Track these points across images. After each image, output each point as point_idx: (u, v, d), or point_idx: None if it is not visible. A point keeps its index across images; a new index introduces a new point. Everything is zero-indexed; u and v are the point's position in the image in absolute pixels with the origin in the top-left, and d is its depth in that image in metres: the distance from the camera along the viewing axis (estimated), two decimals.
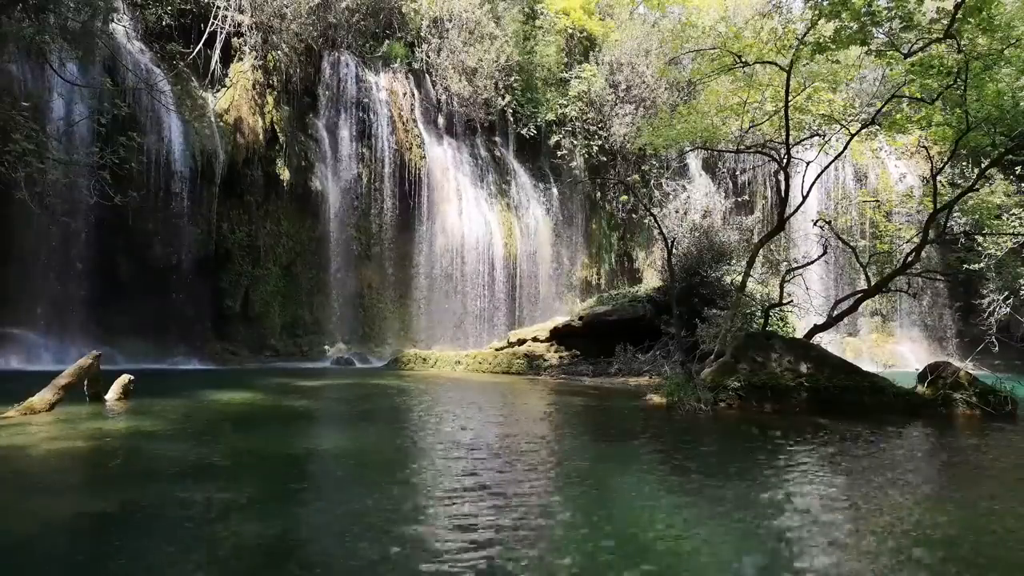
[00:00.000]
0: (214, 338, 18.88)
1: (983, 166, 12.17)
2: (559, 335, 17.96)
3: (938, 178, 12.80)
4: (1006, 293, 20.92)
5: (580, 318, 18.09)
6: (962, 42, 10.05)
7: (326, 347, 20.68)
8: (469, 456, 6.18)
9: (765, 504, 4.61)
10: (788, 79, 11.19)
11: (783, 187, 13.05)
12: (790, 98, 11.49)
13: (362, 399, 11.10)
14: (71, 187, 14.86)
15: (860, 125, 12.43)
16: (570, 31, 27.38)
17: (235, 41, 20.06)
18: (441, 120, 24.72)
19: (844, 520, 4.29)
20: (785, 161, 12.34)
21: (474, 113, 24.77)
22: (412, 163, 22.90)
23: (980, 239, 18.98)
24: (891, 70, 12.67)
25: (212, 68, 19.66)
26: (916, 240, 13.48)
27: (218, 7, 19.34)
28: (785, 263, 22.11)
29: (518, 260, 24.79)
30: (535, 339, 18.23)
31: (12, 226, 15.19)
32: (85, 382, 8.37)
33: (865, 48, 10.89)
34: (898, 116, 12.23)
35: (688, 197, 26.06)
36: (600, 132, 26.40)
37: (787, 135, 11.88)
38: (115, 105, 15.27)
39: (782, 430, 7.75)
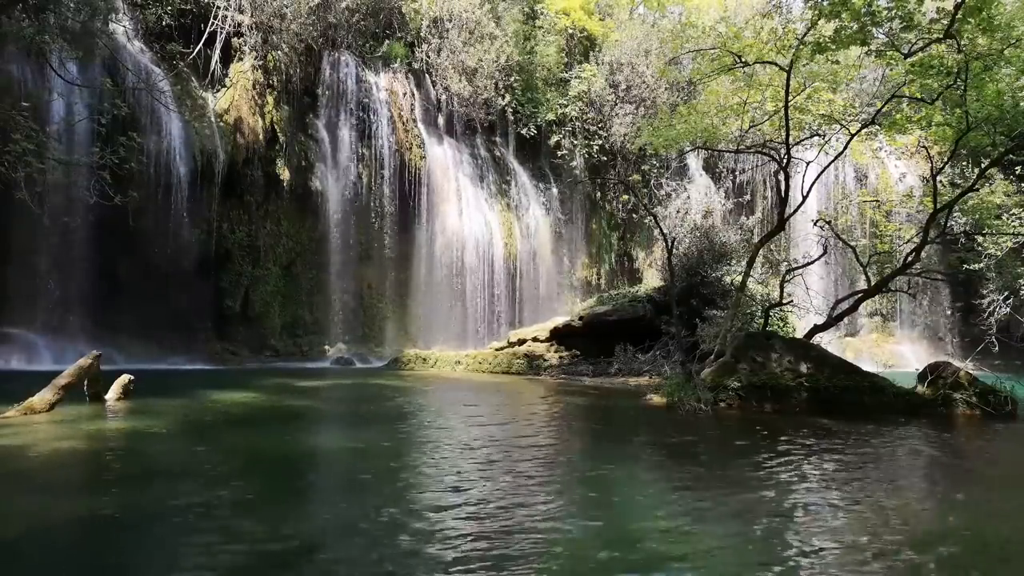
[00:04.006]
0: (214, 338, 18.88)
1: (983, 166, 12.16)
2: (559, 335, 17.95)
3: (938, 178, 12.79)
4: (1006, 293, 20.89)
5: (580, 318, 18.08)
6: (962, 42, 10.05)
7: (326, 347, 20.68)
8: (469, 458, 6.18)
9: (764, 505, 4.61)
10: (788, 79, 11.18)
11: (783, 187, 13.04)
12: (790, 98, 11.48)
13: (362, 400, 11.10)
14: (71, 187, 14.86)
15: (860, 125, 12.42)
16: (570, 31, 27.36)
17: (235, 41, 20.06)
18: (441, 120, 24.70)
19: (846, 521, 4.29)
20: (785, 161, 12.33)
21: (474, 113, 24.75)
22: (412, 163, 22.89)
23: (980, 239, 18.96)
24: (891, 70, 12.68)
25: (212, 68, 19.65)
26: (916, 240, 13.48)
27: (218, 7, 19.33)
28: (785, 263, 22.12)
29: (518, 260, 24.77)
30: (535, 339, 18.22)
31: (12, 226, 15.19)
32: (85, 382, 8.37)
33: (865, 48, 10.89)
34: (898, 116, 12.22)
35: (688, 197, 26.04)
36: (600, 132, 26.38)
37: (787, 135, 11.87)
38: (115, 105, 15.26)
39: (782, 431, 7.75)
